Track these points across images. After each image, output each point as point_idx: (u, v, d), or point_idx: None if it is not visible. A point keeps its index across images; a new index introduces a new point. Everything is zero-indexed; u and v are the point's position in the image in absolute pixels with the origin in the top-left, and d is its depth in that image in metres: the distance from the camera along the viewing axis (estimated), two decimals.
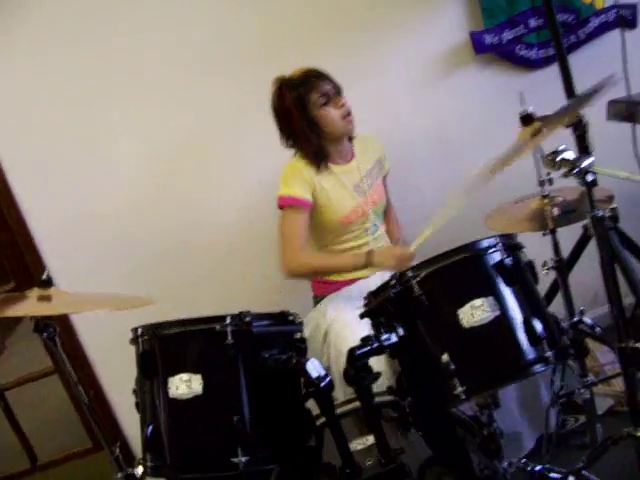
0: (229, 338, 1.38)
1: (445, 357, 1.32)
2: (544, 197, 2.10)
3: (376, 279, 2.09)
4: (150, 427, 1.43)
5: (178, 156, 2.56)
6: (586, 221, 2.33)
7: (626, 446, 1.79)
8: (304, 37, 2.51)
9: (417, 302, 1.35)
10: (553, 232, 2.07)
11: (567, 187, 2.14)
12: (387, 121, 2.54)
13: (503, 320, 1.34)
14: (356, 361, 1.32)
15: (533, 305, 1.40)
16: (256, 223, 2.48)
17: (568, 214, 2.04)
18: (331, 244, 2.26)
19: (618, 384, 2.49)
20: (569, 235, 2.21)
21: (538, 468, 2.04)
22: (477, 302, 1.34)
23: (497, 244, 1.41)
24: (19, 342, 2.90)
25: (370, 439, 1.62)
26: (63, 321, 2.69)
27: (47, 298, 1.74)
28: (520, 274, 1.42)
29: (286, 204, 2.15)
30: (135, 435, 2.66)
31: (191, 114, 2.52)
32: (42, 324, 1.74)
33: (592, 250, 2.22)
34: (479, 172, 1.74)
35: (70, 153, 2.52)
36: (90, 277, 2.54)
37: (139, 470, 1.86)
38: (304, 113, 2.07)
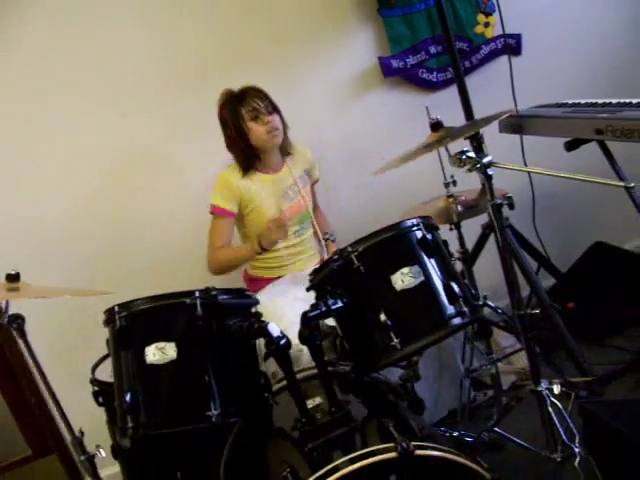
0: (198, 309, 1.60)
1: (382, 316, 1.60)
2: (449, 197, 2.45)
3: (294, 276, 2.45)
4: (129, 394, 1.59)
5: (133, 167, 2.77)
6: (484, 221, 2.74)
7: (529, 403, 2.09)
8: (235, 58, 2.79)
9: (356, 272, 1.63)
10: (458, 227, 2.43)
11: (467, 189, 2.52)
12: (310, 133, 2.83)
13: (427, 284, 1.63)
14: (308, 322, 1.58)
15: (450, 273, 1.71)
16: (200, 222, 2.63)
17: (470, 209, 2.39)
18: None
19: (519, 362, 2.84)
20: (470, 234, 2.55)
21: (455, 434, 2.36)
22: (405, 270, 1.63)
23: (419, 223, 1.71)
24: None
25: (317, 400, 1.87)
26: (5, 332, 2.78)
27: (15, 289, 1.91)
28: (438, 248, 1.72)
29: (213, 210, 2.44)
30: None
31: (141, 120, 2.72)
32: (12, 316, 1.91)
33: (490, 249, 2.61)
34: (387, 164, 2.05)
35: (10, 159, 2.64)
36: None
37: (102, 453, 2.05)
38: (236, 123, 2.35)
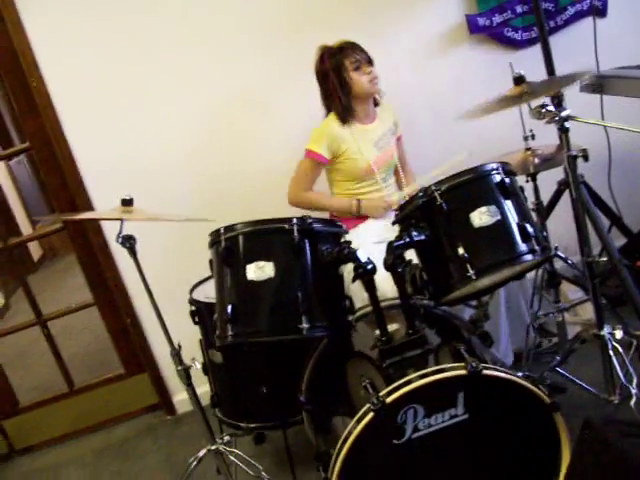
0: (295, 234, 1.80)
1: (460, 249, 1.76)
2: (527, 149, 2.56)
3: (376, 222, 2.63)
4: (230, 305, 1.79)
5: (231, 110, 2.99)
6: (561, 177, 2.83)
7: (592, 352, 2.23)
8: (323, 15, 2.95)
9: (439, 208, 1.78)
10: (534, 179, 2.53)
11: (545, 144, 2.62)
12: (395, 90, 2.90)
13: (502, 222, 1.77)
14: (394, 251, 1.76)
15: (525, 214, 1.84)
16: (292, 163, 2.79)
17: (546, 162, 2.50)
18: (352, 189, 2.70)
19: (585, 314, 2.95)
20: (546, 191, 2.65)
21: (519, 374, 2.51)
22: (483, 209, 1.77)
23: (498, 168, 1.85)
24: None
25: (395, 326, 2.07)
26: (106, 256, 3.07)
27: (129, 212, 2.15)
28: (515, 191, 1.85)
29: (307, 154, 2.62)
30: (164, 360, 3.01)
31: (242, 76, 2.96)
32: (125, 236, 2.15)
33: (565, 206, 2.69)
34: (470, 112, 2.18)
35: (123, 106, 2.91)
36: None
37: (197, 365, 2.29)
38: (338, 75, 2.53)
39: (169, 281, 2.75)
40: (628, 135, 3.02)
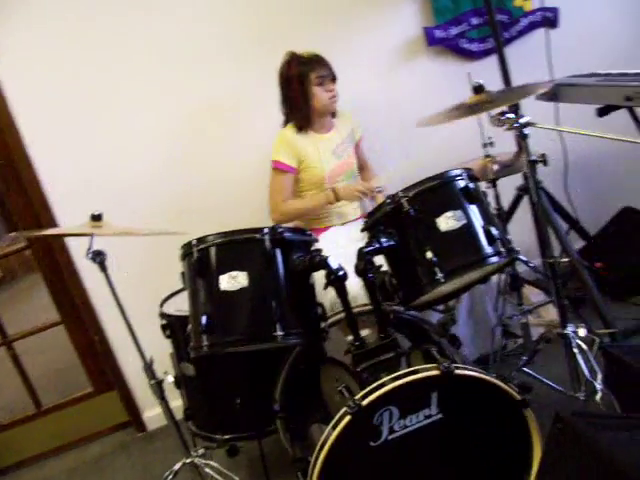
0: (267, 243, 1.83)
1: (429, 253, 1.81)
2: (487, 157, 2.63)
3: (342, 229, 2.69)
4: (204, 316, 1.81)
5: (194, 123, 3.01)
6: (519, 183, 2.92)
7: (555, 351, 2.31)
8: (289, 27, 3.01)
9: (406, 214, 1.83)
10: (494, 185, 2.60)
11: (503, 152, 2.70)
12: (356, 99, 2.99)
13: (468, 226, 1.83)
14: (364, 257, 1.80)
15: (489, 218, 1.90)
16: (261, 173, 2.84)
17: (505, 169, 2.58)
18: None
19: (548, 315, 3.03)
20: (505, 196, 2.71)
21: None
22: (449, 214, 1.83)
23: (462, 174, 1.91)
24: None
25: (366, 331, 2.10)
26: (72, 273, 3.05)
27: (99, 227, 2.15)
28: (478, 196, 1.91)
29: (274, 166, 2.65)
30: (133, 377, 3.02)
31: (204, 89, 2.99)
32: (96, 252, 2.15)
33: (524, 211, 2.77)
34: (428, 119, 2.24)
35: (88, 122, 2.90)
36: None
37: (169, 378, 2.29)
38: (301, 86, 2.57)
39: (137, 296, 2.73)
40: (583, 141, 3.15)
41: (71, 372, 3.57)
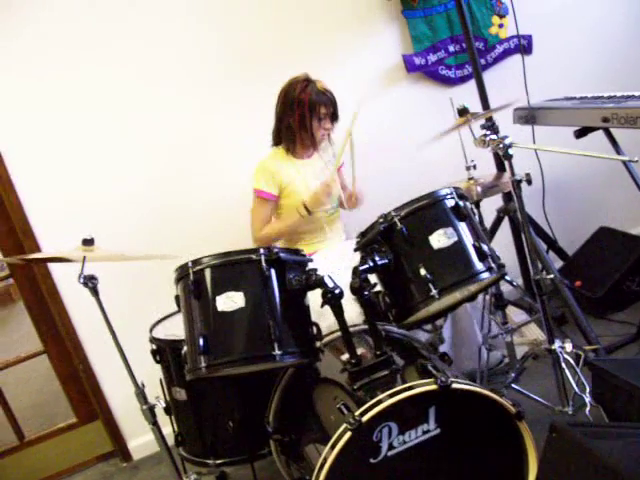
0: (263, 264, 1.84)
1: (423, 270, 1.85)
2: (470, 179, 2.70)
3: (334, 249, 2.71)
4: (201, 338, 1.81)
5: (176, 150, 3.03)
6: (499, 205, 2.99)
7: (543, 369, 2.34)
8: (268, 54, 3.07)
9: (399, 233, 1.87)
10: (478, 206, 2.67)
11: (485, 174, 2.78)
12: (338, 124, 3.03)
13: (460, 243, 1.88)
14: (360, 275, 1.83)
15: (479, 235, 1.95)
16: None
17: (488, 190, 2.64)
18: None
19: (530, 334, 3.08)
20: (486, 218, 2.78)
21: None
22: (440, 231, 1.88)
23: (452, 192, 1.96)
24: None
25: (360, 350, 2.11)
26: (56, 301, 3.02)
27: (91, 251, 2.15)
28: (468, 214, 1.97)
29: (255, 194, 2.69)
30: (118, 405, 2.99)
31: (186, 115, 3.02)
32: (87, 276, 2.14)
33: (504, 233, 2.83)
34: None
35: (70, 150, 2.91)
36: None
37: (161, 403, 2.28)
38: (308, 113, 2.59)
39: (124, 321, 2.72)
40: (559, 163, 3.26)
41: (54, 402, 3.52)
